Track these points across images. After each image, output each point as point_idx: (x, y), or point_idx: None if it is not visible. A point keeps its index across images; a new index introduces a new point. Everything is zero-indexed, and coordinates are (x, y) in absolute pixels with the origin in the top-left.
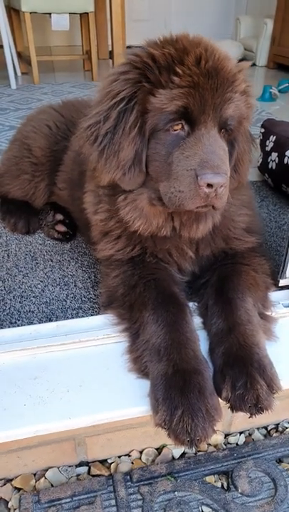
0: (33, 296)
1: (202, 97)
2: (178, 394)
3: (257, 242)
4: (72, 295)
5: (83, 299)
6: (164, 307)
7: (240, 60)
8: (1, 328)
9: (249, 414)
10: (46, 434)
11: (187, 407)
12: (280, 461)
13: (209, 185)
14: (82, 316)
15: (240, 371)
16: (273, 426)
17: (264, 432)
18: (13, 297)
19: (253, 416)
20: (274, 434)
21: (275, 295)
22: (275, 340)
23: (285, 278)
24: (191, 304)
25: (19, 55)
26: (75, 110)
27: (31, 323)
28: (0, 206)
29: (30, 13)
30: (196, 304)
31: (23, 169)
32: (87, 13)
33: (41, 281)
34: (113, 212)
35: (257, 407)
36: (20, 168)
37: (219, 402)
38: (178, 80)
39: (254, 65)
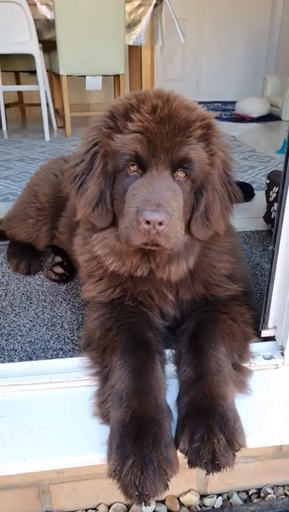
0: (20, 335)
1: (151, 142)
2: (131, 443)
3: (240, 290)
4: (56, 336)
5: (66, 340)
6: (131, 352)
7: (266, 116)
8: None
9: (206, 472)
10: (8, 478)
11: (138, 458)
12: None
13: (148, 222)
14: (62, 358)
15: (200, 423)
16: (255, 490)
17: (244, 496)
18: (1, 335)
19: (211, 474)
20: (255, 500)
21: (257, 346)
22: (248, 393)
23: (267, 329)
24: (168, 351)
25: (57, 111)
26: None
27: (12, 361)
28: (7, 247)
29: (67, 75)
30: (173, 351)
31: (29, 214)
32: (119, 75)
33: (30, 321)
34: (95, 253)
35: (213, 463)
36: (26, 212)
37: (176, 455)
38: (131, 126)
39: (280, 119)
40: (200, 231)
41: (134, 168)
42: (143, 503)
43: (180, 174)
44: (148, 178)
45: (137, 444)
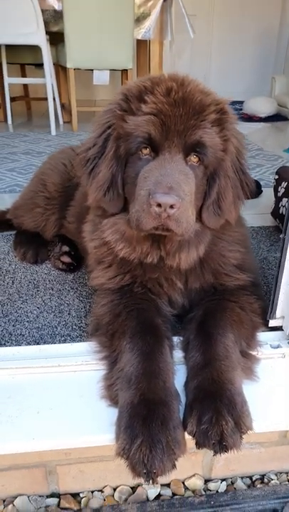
0: (27, 321)
1: (165, 124)
2: (140, 423)
3: (249, 281)
4: (64, 322)
5: (74, 326)
6: (141, 336)
7: (274, 116)
8: None
9: (213, 452)
10: (16, 458)
11: (147, 437)
12: None
13: (159, 205)
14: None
15: (208, 406)
16: (259, 476)
17: (248, 481)
18: (8, 320)
19: (218, 455)
20: (258, 486)
21: (264, 336)
22: (255, 380)
23: (275, 318)
24: (176, 338)
25: (63, 106)
26: None
27: (19, 346)
28: (14, 236)
29: (74, 69)
30: (180, 338)
31: (37, 203)
32: (127, 70)
33: (38, 308)
34: (105, 239)
35: (221, 444)
36: (34, 201)
37: (184, 436)
38: (144, 108)
39: (288, 120)
40: (211, 219)
41: (146, 151)
42: (151, 481)
43: (193, 159)
44: (160, 161)
45: (146, 425)
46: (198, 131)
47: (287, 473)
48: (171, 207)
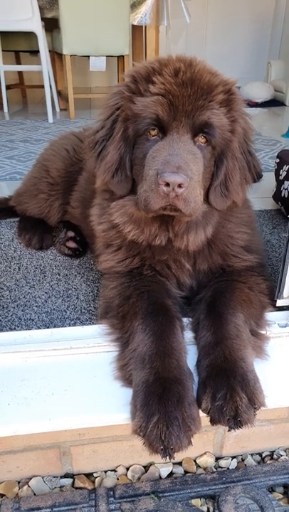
0: (36, 306)
1: (172, 105)
2: (156, 401)
3: (256, 262)
4: (72, 306)
5: (83, 310)
6: (153, 317)
7: (270, 101)
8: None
9: (228, 428)
10: (31, 439)
11: (163, 415)
12: (272, 490)
13: (167, 184)
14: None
15: (222, 383)
16: (268, 453)
17: (258, 458)
18: (17, 306)
19: (233, 430)
20: (268, 462)
21: (272, 315)
22: (265, 358)
23: (283, 298)
24: (185, 320)
25: (59, 93)
26: None
27: (29, 330)
28: (18, 223)
29: (71, 55)
30: (190, 319)
31: (41, 189)
32: (123, 56)
33: (46, 293)
34: (113, 222)
35: (236, 420)
36: (38, 188)
37: (199, 413)
38: (153, 88)
39: (284, 105)
40: (218, 200)
41: (154, 132)
42: (168, 457)
43: (201, 139)
44: (168, 141)
45: (162, 402)
46: (206, 112)
47: None
48: (180, 186)
